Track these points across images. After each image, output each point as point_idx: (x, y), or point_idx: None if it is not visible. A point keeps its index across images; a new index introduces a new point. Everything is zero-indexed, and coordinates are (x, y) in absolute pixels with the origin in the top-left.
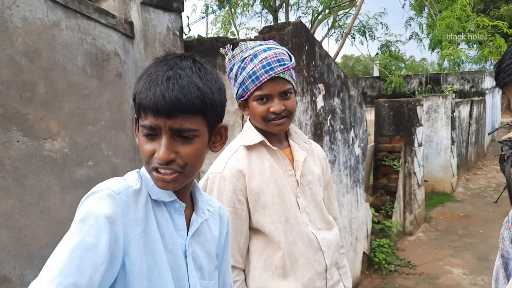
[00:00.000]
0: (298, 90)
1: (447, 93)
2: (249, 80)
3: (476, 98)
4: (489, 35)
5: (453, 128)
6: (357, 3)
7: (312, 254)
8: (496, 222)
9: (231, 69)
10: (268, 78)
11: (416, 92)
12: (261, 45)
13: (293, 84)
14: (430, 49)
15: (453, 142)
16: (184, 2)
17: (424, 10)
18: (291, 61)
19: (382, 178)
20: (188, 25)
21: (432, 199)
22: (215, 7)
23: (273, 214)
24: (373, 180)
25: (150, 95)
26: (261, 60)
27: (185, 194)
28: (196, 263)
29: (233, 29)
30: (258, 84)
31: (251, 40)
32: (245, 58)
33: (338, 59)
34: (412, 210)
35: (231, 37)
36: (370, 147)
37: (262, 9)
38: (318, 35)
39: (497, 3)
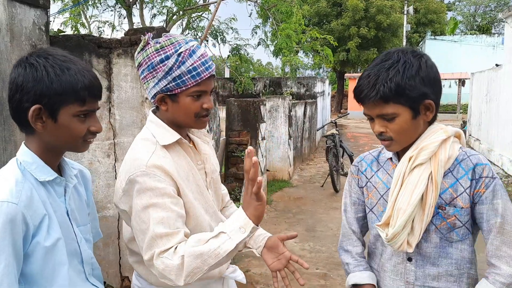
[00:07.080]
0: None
1: (285, 95)
2: (188, 76)
3: (309, 100)
4: (320, 45)
5: (290, 125)
6: (211, 9)
7: None
8: (321, 202)
9: (161, 61)
10: (208, 75)
11: (261, 94)
12: (191, 40)
13: None
14: (274, 55)
15: (290, 137)
16: None
17: (269, 20)
18: None
19: (232, 167)
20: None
21: (273, 185)
22: None
23: (196, 211)
24: (225, 169)
25: None
26: (199, 56)
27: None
28: (73, 216)
29: (83, 20)
30: (199, 81)
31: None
32: (181, 52)
33: None
34: None
35: (82, 30)
36: (222, 140)
37: (116, 3)
38: None
39: (329, 18)
